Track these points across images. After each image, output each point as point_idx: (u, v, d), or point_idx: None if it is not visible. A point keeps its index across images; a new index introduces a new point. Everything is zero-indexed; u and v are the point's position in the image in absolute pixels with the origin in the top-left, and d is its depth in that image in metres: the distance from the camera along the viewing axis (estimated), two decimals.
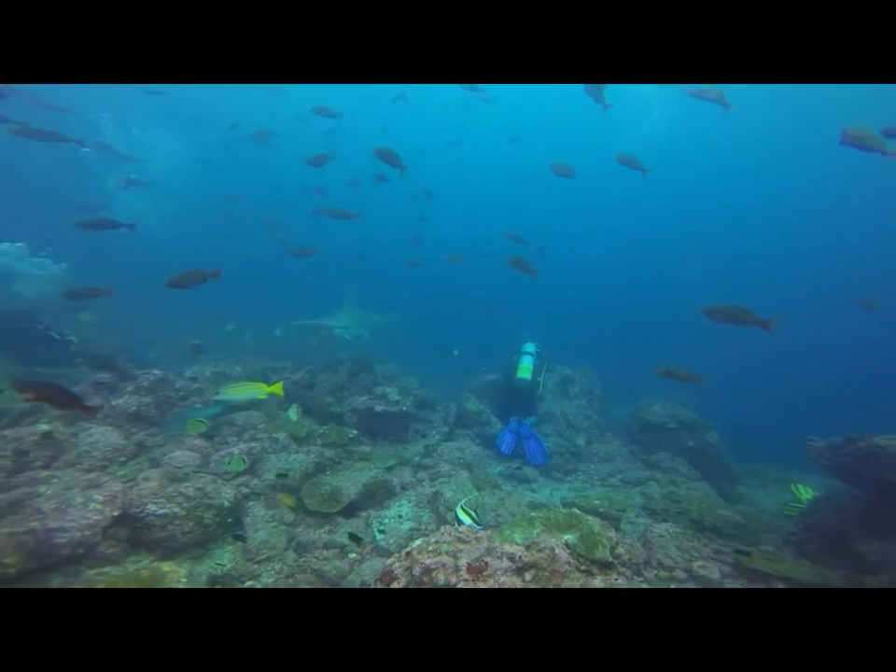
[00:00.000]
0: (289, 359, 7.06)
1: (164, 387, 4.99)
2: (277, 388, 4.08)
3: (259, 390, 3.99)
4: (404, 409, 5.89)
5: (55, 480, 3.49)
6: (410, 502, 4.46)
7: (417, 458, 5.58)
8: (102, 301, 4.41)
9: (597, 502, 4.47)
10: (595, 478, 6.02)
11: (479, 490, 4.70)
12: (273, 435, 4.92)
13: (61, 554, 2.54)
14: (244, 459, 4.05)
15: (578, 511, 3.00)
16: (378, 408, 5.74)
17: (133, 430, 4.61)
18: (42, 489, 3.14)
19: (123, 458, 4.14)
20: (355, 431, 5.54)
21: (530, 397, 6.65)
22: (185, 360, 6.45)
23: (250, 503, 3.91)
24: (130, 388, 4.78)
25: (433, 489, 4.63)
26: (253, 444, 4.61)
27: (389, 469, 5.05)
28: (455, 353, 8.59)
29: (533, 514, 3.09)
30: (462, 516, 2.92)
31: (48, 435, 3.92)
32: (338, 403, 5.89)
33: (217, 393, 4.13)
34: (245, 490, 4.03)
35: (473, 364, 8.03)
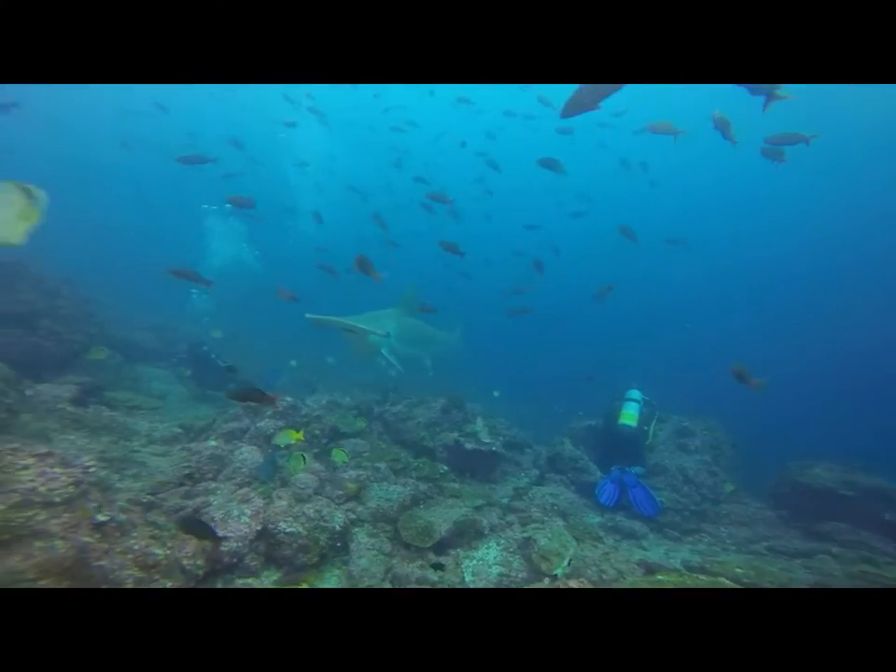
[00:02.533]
0: (389, 392, 7.74)
1: (294, 413, 5.95)
2: (300, 435, 4.77)
3: (293, 437, 4.73)
4: (493, 449, 5.97)
5: (219, 491, 4.43)
6: (498, 546, 4.48)
7: (506, 500, 5.57)
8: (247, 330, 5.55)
9: (739, 571, 3.82)
10: (729, 542, 5.27)
11: (577, 541, 4.48)
12: (376, 464, 5.45)
13: (223, 562, 3.23)
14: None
15: (726, 581, 2.63)
16: (468, 446, 5.92)
17: (270, 451, 5.60)
18: (212, 499, 4.02)
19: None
20: (445, 467, 5.80)
21: (635, 446, 6.15)
22: (304, 388, 7.60)
23: (356, 529, 4.39)
24: (269, 413, 5.83)
25: (524, 534, 4.57)
26: (360, 472, 5.19)
27: (478, 509, 5.14)
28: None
29: (661, 577, 2.82)
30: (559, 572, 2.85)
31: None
32: (431, 438, 6.25)
33: (275, 439, 4.99)
34: (352, 516, 4.55)
35: (554, 407, 7.71)
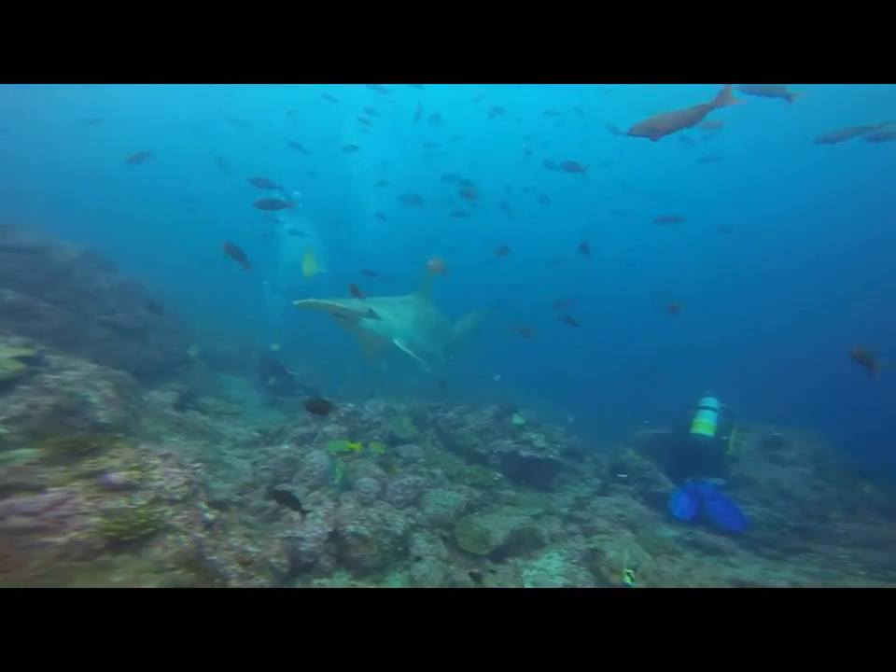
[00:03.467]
0: (442, 398, 7.97)
1: (355, 419, 6.37)
2: (357, 446, 4.99)
3: (348, 446, 4.99)
4: (550, 456, 5.93)
5: (294, 493, 4.90)
6: (561, 556, 4.47)
7: (566, 510, 5.52)
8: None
9: None
10: (854, 566, 4.70)
11: (652, 555, 4.33)
12: (432, 470, 5.68)
13: (302, 561, 3.59)
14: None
15: None
16: (524, 453, 5.94)
17: (333, 456, 6.05)
18: None
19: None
20: (499, 474, 5.88)
21: (713, 456, 5.79)
22: (362, 395, 8.07)
23: (415, 534, 4.63)
24: (334, 418, 6.31)
25: (590, 546, 4.50)
26: (418, 478, 5.44)
27: (536, 518, 5.16)
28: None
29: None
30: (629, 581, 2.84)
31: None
32: (483, 445, 6.36)
33: (329, 447, 5.29)
34: (412, 521, 4.80)
35: (607, 416, 7.40)
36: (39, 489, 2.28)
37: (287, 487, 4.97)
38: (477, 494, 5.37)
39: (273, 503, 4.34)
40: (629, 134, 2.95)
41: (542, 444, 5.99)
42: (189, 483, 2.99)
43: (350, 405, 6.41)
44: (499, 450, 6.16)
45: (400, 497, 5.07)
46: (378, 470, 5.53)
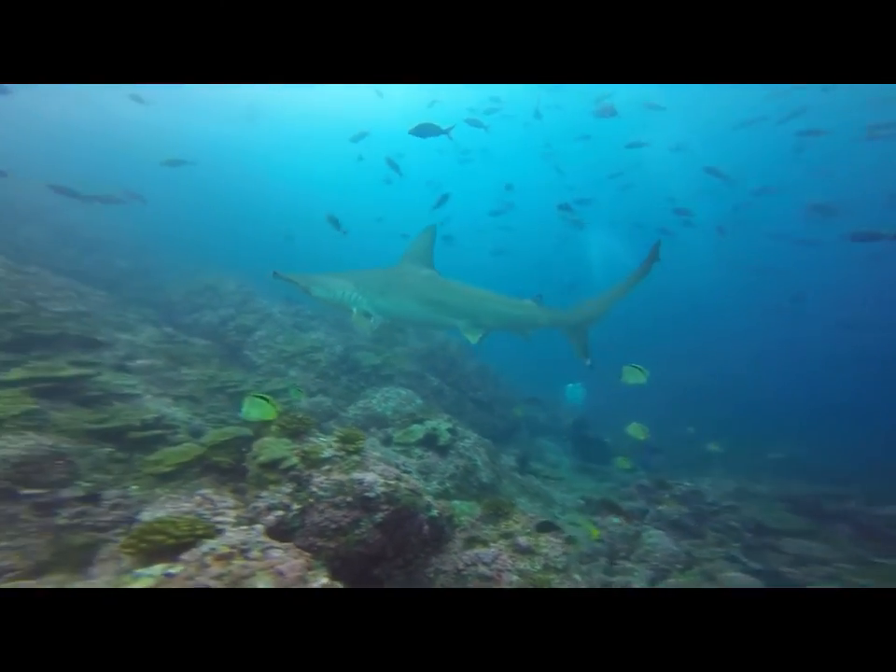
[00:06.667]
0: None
1: (696, 499, 5.54)
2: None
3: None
4: None
5: (636, 573, 4.67)
6: None
7: None
8: None
9: None
10: None
11: None
12: None
13: None
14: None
15: None
16: None
17: (676, 537, 5.38)
18: (631, 580, 4.28)
19: (679, 565, 4.88)
20: None
21: None
22: (693, 468, 6.94)
23: None
24: (666, 495, 5.75)
25: None
26: None
27: None
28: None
29: None
30: None
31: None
32: None
33: None
34: None
35: None
36: (484, 542, 3.30)
37: (628, 565, 4.82)
38: None
39: (613, 579, 4.31)
40: None
41: None
42: (566, 555, 3.49)
43: (687, 483, 5.69)
44: None
45: None
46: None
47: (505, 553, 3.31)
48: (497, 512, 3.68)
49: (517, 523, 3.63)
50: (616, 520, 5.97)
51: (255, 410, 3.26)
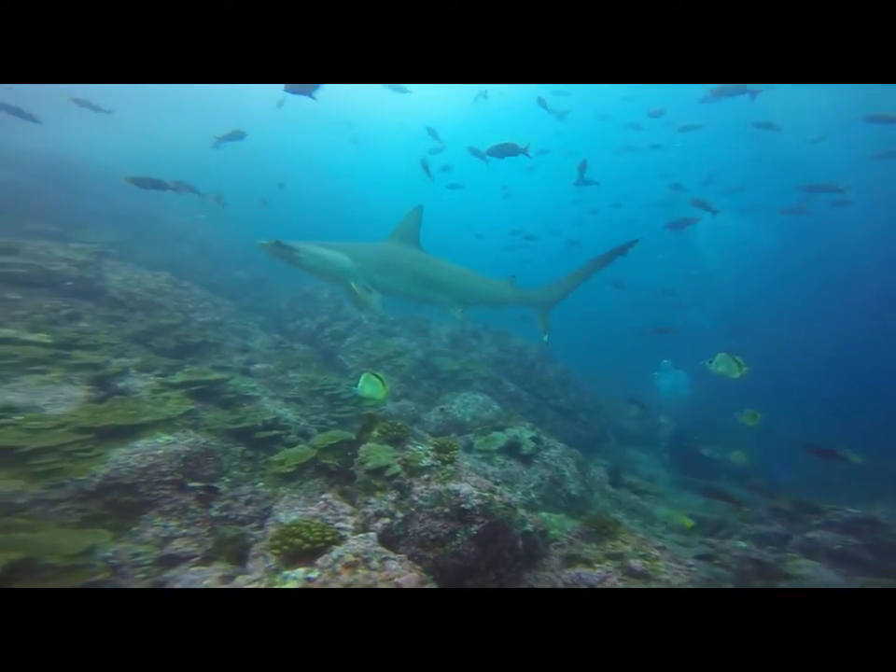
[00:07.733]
0: None
1: (870, 529, 4.52)
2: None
3: None
4: None
5: None
6: None
7: None
8: None
9: None
10: None
11: None
12: None
13: None
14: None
15: None
16: None
17: (843, 571, 4.38)
18: None
19: None
20: None
21: None
22: (836, 489, 5.74)
23: None
24: (818, 521, 4.77)
25: None
26: None
27: None
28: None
29: None
30: None
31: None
32: None
33: None
34: None
35: None
36: (587, 562, 3.12)
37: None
38: None
39: None
40: None
41: None
42: (690, 582, 3.11)
43: (851, 510, 4.70)
44: None
45: None
46: None
47: (615, 576, 3.07)
48: (602, 531, 3.44)
49: (626, 543, 3.35)
50: (743, 544, 5.20)
51: (368, 386, 3.61)
